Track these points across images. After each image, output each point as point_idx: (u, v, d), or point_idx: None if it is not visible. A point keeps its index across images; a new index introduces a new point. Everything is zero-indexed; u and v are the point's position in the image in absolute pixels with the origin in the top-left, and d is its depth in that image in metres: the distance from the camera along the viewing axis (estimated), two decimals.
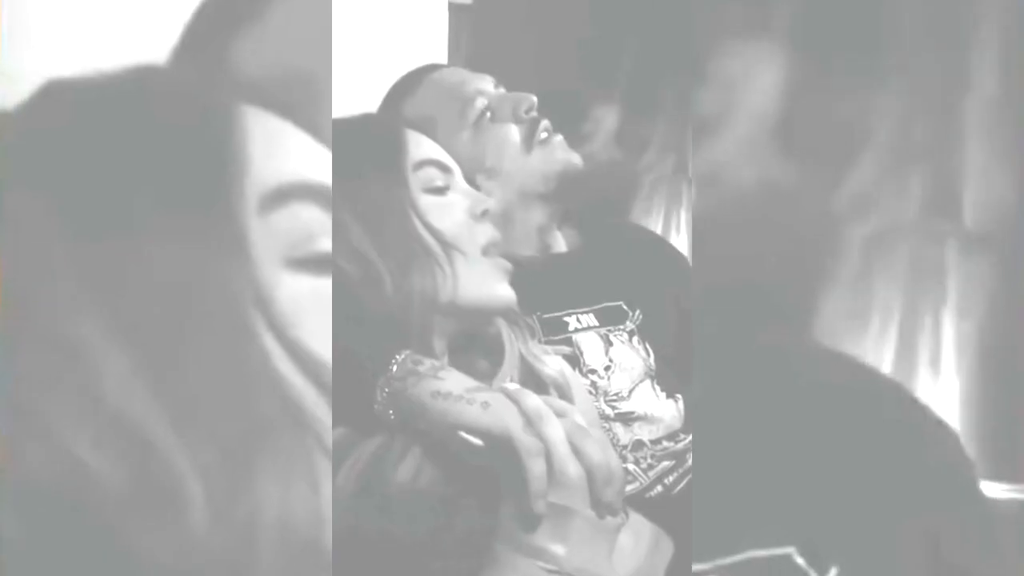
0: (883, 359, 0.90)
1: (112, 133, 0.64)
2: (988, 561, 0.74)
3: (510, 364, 1.01)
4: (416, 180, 0.98)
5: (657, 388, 1.25)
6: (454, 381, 0.85)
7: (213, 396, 0.61)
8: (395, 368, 0.85)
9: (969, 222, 0.91)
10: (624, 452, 1.20)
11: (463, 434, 0.82)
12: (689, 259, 1.36)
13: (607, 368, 1.24)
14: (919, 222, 0.89)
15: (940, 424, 0.78)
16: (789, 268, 0.81)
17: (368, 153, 0.99)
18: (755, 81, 0.76)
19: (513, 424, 0.80)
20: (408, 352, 0.87)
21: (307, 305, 0.65)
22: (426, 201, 0.98)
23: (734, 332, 0.78)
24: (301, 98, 0.70)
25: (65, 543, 0.58)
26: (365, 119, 1.11)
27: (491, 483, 0.82)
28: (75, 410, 0.59)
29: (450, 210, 0.99)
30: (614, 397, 1.23)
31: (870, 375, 0.82)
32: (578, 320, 1.27)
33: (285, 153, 0.67)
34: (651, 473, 1.20)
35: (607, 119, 1.35)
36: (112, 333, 0.60)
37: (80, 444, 0.58)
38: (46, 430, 0.59)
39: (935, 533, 0.73)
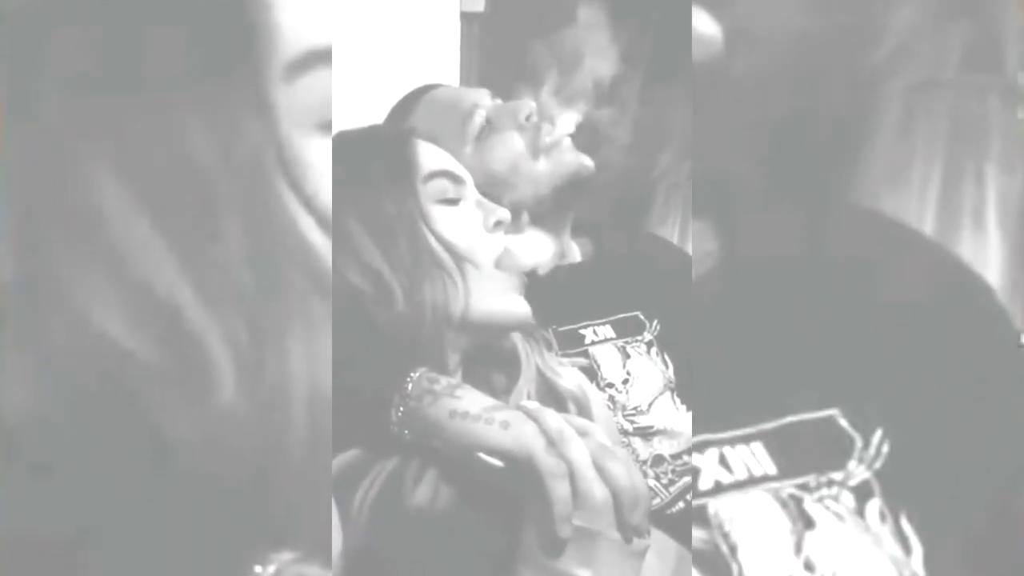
0: (925, 214, 0.88)
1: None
2: None
3: (527, 378, 0.99)
4: (427, 192, 0.97)
5: (677, 401, 1.23)
6: (472, 400, 0.83)
7: (240, 264, 0.61)
8: (410, 386, 0.83)
9: (1011, 75, 0.90)
10: (644, 468, 1.17)
11: (482, 455, 0.80)
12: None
13: (625, 381, 1.22)
14: (960, 76, 0.88)
15: (979, 281, 0.78)
16: (826, 124, 0.80)
17: (377, 165, 0.97)
18: None
19: (535, 445, 0.78)
20: (423, 370, 0.85)
21: None
22: (437, 213, 0.96)
23: (769, 194, 0.76)
24: None
25: (93, 418, 0.57)
26: (373, 130, 1.09)
27: (512, 505, 0.80)
28: (99, 283, 0.58)
29: (462, 222, 0.97)
30: (633, 411, 1.21)
31: (909, 235, 0.81)
32: (595, 332, 1.25)
33: (312, 18, 0.66)
34: (672, 489, 1.18)
35: (620, 125, 1.33)
36: (135, 202, 0.60)
37: (105, 317, 0.58)
38: (70, 304, 0.58)
39: (977, 390, 0.72)
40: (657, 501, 1.16)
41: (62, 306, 0.58)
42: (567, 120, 1.25)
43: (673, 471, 1.19)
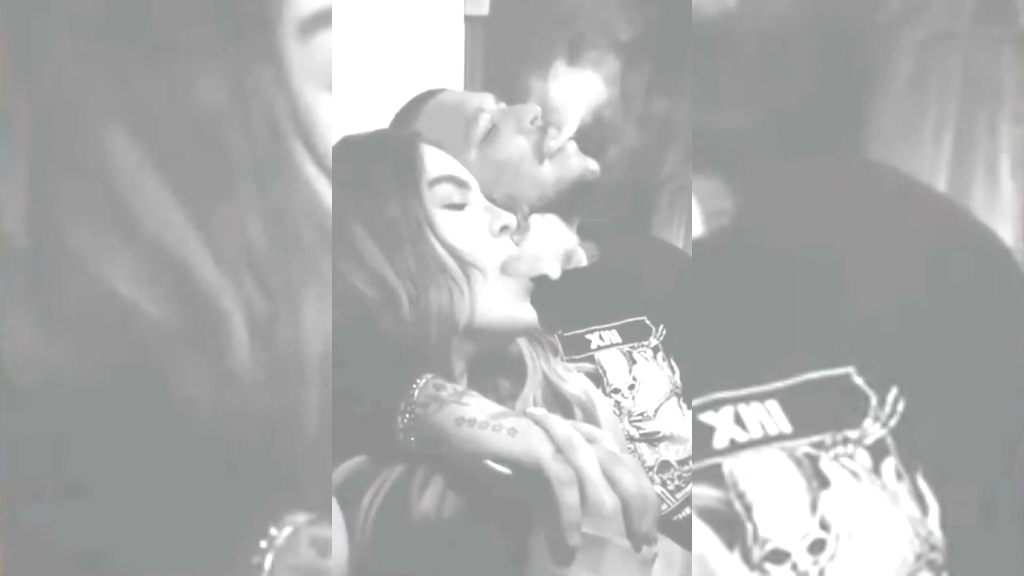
0: (938, 166, 0.88)
1: None
2: None
3: (533, 384, 0.98)
4: (432, 196, 0.96)
5: (683, 406, 1.22)
6: (478, 407, 0.82)
7: (253, 220, 0.60)
8: (416, 393, 0.83)
9: None
10: (650, 474, 1.17)
11: (490, 462, 0.79)
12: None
13: (631, 387, 1.21)
14: (973, 28, 0.88)
15: (994, 238, 0.77)
16: (839, 77, 0.80)
17: (382, 170, 0.97)
18: None
19: (543, 452, 0.77)
20: (429, 376, 0.84)
21: None
22: (443, 218, 0.96)
23: (781, 150, 0.76)
24: None
25: (105, 378, 0.57)
26: (378, 135, 1.09)
27: (520, 513, 0.79)
28: (110, 241, 0.58)
29: (468, 227, 0.96)
30: (639, 417, 1.20)
31: (924, 192, 0.81)
32: (600, 337, 1.24)
33: None
34: (679, 495, 1.18)
35: (627, 119, 1.33)
36: (147, 160, 0.59)
37: (117, 276, 0.57)
38: (82, 262, 0.57)
39: (993, 347, 0.72)
40: (664, 507, 1.16)
41: (72, 263, 0.57)
42: (573, 116, 1.24)
43: (679, 477, 1.19)
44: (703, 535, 0.69)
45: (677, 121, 1.53)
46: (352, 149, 0.98)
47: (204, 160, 0.59)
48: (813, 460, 0.69)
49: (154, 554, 0.58)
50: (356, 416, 0.82)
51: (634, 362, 1.24)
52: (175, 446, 0.57)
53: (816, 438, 0.69)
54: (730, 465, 0.68)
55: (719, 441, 0.69)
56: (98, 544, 0.57)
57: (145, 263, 0.57)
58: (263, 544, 0.60)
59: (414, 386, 0.83)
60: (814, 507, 0.68)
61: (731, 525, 0.68)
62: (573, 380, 1.02)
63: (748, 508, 0.68)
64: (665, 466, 1.19)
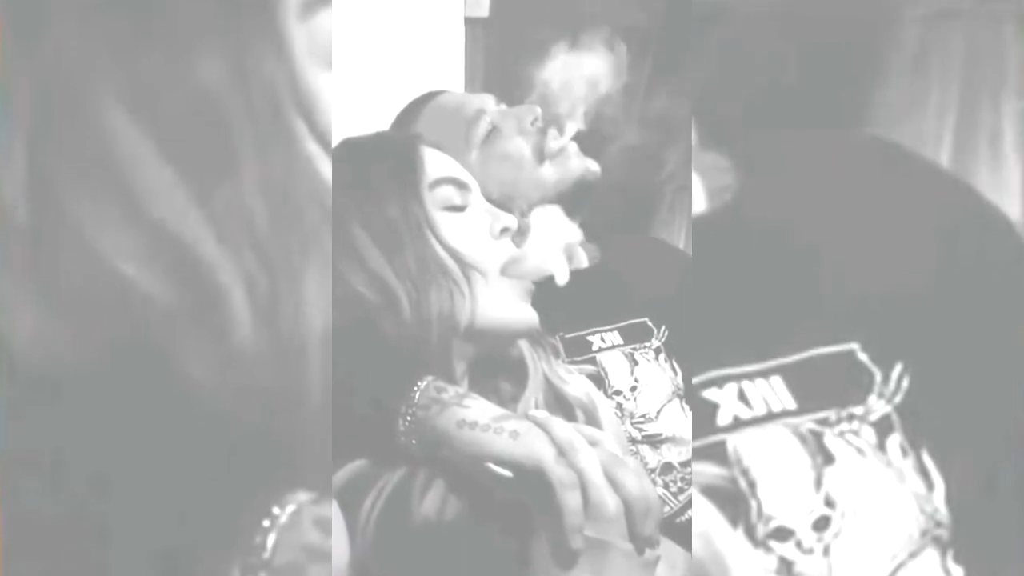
0: (942, 142, 0.88)
1: None
2: None
3: (534, 386, 0.98)
4: (433, 198, 0.96)
5: (685, 407, 1.22)
6: (480, 409, 0.81)
7: (255, 198, 0.60)
8: (417, 396, 0.82)
9: None
10: (653, 476, 1.16)
11: (491, 465, 0.79)
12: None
13: (633, 389, 1.21)
14: (976, 4, 0.89)
15: (998, 214, 0.77)
16: (843, 54, 0.80)
17: (383, 172, 0.97)
18: None
19: (545, 455, 0.77)
20: (430, 379, 0.84)
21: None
22: (443, 220, 0.96)
23: (786, 126, 0.76)
24: None
25: (108, 354, 0.57)
26: (379, 138, 1.09)
27: (522, 516, 0.79)
28: (111, 218, 0.57)
29: (468, 229, 0.96)
30: (641, 419, 1.20)
31: (928, 168, 0.81)
32: (602, 339, 1.24)
33: None
34: (681, 497, 1.17)
35: (628, 115, 1.32)
36: (148, 138, 0.59)
37: (118, 253, 0.57)
38: (82, 239, 0.57)
39: (997, 323, 0.72)
40: (666, 510, 1.15)
41: (72, 240, 0.57)
42: (574, 106, 1.23)
43: (682, 479, 1.18)
44: (707, 513, 0.68)
45: (678, 121, 1.53)
46: (352, 151, 0.98)
47: (205, 138, 0.59)
48: (817, 437, 0.69)
49: (155, 532, 0.57)
50: (357, 418, 0.81)
51: (636, 364, 1.23)
52: (176, 424, 0.57)
53: (820, 415, 0.69)
54: (734, 442, 0.68)
55: (723, 418, 0.69)
56: (98, 522, 0.57)
57: (146, 240, 0.57)
58: (266, 523, 0.60)
59: (415, 388, 0.83)
60: (819, 484, 0.68)
61: (735, 502, 0.68)
62: (574, 382, 1.02)
63: (752, 485, 0.68)
64: (667, 468, 1.18)
